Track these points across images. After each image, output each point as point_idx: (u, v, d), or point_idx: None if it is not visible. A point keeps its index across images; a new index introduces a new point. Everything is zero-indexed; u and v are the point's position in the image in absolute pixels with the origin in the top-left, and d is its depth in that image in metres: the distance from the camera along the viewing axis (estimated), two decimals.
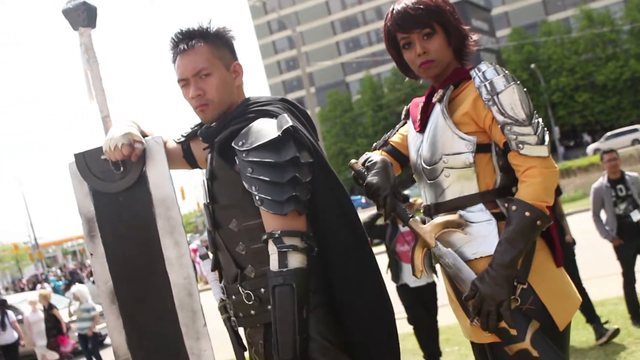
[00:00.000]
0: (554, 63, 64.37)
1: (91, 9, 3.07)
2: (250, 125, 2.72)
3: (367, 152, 3.03)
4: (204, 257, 3.07)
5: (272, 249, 2.60)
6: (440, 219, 2.77)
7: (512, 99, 2.65)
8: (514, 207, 2.61)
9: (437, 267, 2.88)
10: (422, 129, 2.91)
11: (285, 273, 2.55)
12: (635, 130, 44.85)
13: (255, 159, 2.63)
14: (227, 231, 2.81)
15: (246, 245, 2.76)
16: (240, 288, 2.79)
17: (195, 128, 3.15)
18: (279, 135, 2.63)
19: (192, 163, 3.21)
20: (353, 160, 2.93)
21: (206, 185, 2.88)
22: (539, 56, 64.80)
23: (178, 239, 2.91)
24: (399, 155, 3.05)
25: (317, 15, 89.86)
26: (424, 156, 2.86)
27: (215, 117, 2.85)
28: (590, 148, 45.20)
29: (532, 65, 60.42)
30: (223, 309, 2.96)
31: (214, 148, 2.83)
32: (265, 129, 2.67)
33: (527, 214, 2.58)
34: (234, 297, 2.84)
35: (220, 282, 2.96)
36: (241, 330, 2.95)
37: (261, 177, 2.61)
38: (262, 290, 2.73)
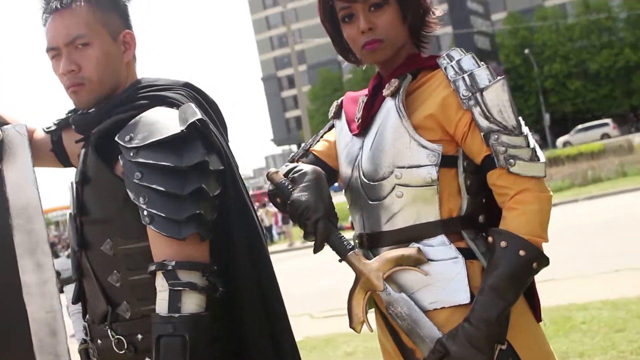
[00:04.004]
0: (548, 49, 64.25)
1: None
2: (142, 115, 2.07)
3: (289, 160, 2.35)
4: (67, 281, 2.35)
5: (162, 285, 1.98)
6: (391, 253, 2.06)
7: (501, 99, 2.00)
8: (503, 243, 1.95)
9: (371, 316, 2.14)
10: (362, 131, 2.19)
11: (176, 320, 1.94)
12: (605, 124, 46.81)
13: (147, 161, 1.99)
14: (97, 254, 2.16)
15: (122, 276, 2.12)
16: (109, 331, 2.15)
17: (70, 114, 2.44)
18: (182, 130, 2.01)
19: (63, 159, 2.51)
20: (272, 170, 2.18)
21: (74, 190, 2.20)
22: (533, 41, 64.60)
23: (41, 259, 2.27)
24: (324, 168, 2.27)
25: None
26: (364, 168, 2.15)
27: (92, 101, 2.17)
28: (560, 141, 46.38)
29: (526, 51, 60.34)
30: (84, 354, 2.30)
31: (89, 142, 2.15)
32: (163, 122, 2.04)
33: (521, 253, 1.95)
34: (99, 341, 2.20)
35: (84, 318, 2.30)
36: None
37: (154, 186, 1.98)
38: (140, 336, 2.11)
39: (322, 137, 2.39)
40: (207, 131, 2.06)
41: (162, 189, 1.96)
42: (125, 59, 2.21)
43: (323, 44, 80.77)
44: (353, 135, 2.23)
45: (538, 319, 2.14)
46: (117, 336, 2.11)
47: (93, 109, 2.19)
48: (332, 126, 2.40)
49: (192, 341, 1.92)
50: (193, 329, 1.93)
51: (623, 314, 6.95)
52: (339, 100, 2.39)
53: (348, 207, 2.26)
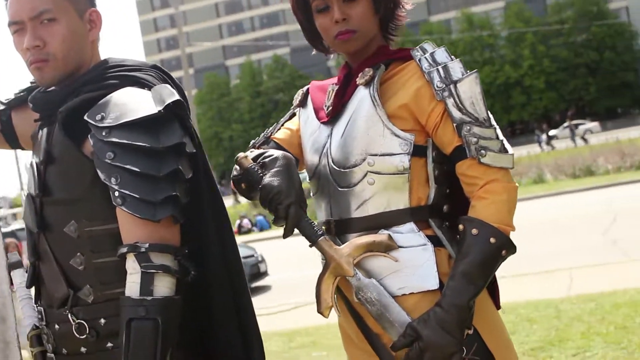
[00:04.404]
0: None
1: None
2: (112, 94, 2.01)
3: (251, 147, 2.35)
4: (15, 265, 2.24)
5: (133, 267, 1.93)
6: (362, 239, 2.08)
7: (474, 92, 2.07)
8: (474, 231, 2.00)
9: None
10: (332, 119, 2.20)
11: (148, 303, 1.88)
12: None
13: (120, 140, 1.93)
14: (59, 236, 2.06)
15: (86, 258, 2.04)
16: (70, 315, 2.06)
17: (22, 94, 2.36)
18: (159, 111, 1.95)
19: (11, 140, 2.41)
20: (241, 154, 2.16)
21: (35, 170, 2.10)
22: None
23: None
24: None
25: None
26: (334, 155, 2.17)
27: (56, 78, 2.10)
28: None
29: None
30: (35, 339, 2.20)
31: (55, 119, 2.07)
32: (136, 102, 1.98)
33: (492, 240, 2.00)
34: (57, 326, 2.10)
35: (36, 303, 2.22)
36: None
37: (127, 166, 1.91)
38: (102, 321, 2.03)
39: (282, 125, 2.39)
40: (184, 113, 2.02)
41: (136, 169, 1.90)
42: (90, 38, 2.14)
43: (210, 49, 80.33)
44: (321, 123, 2.23)
45: (497, 306, 2.20)
46: (79, 320, 2.03)
47: (54, 87, 2.11)
48: (293, 114, 2.40)
49: (164, 325, 1.87)
50: (165, 313, 1.89)
51: (512, 317, 7.15)
52: (305, 89, 2.39)
53: (312, 195, 2.27)
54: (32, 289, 2.23)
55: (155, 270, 1.90)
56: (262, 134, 2.39)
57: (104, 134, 1.93)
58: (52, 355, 2.13)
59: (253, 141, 2.38)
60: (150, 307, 1.88)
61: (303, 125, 2.33)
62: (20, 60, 2.16)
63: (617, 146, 26.07)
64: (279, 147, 2.30)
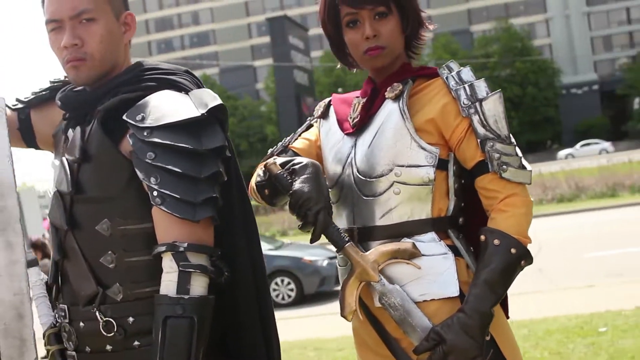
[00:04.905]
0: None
1: None
2: (151, 96, 2.03)
3: (269, 156, 2.41)
4: (30, 263, 2.24)
5: (170, 266, 1.95)
6: (388, 246, 2.16)
7: (497, 110, 2.17)
8: (496, 241, 2.10)
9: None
10: (357, 130, 2.28)
11: (186, 302, 1.91)
12: None
13: (163, 141, 1.95)
14: (89, 234, 2.07)
15: (118, 257, 2.05)
16: (98, 313, 2.06)
17: (44, 92, 2.35)
18: (203, 114, 1.99)
19: (28, 139, 2.39)
20: (270, 160, 2.21)
21: (67, 167, 2.10)
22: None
23: (12, 239, 2.12)
24: None
25: (132, 11, 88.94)
26: (359, 165, 2.25)
27: (91, 78, 2.11)
28: None
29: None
30: (53, 338, 2.20)
31: (90, 119, 2.09)
32: (177, 104, 2.01)
33: (512, 250, 2.10)
34: (82, 324, 2.10)
35: (57, 301, 2.22)
36: None
37: (169, 167, 1.94)
38: (131, 319, 2.04)
39: (300, 135, 2.45)
40: (224, 117, 2.06)
41: (178, 170, 1.93)
42: (124, 40, 2.17)
43: None
44: (345, 134, 2.30)
45: (506, 315, 2.30)
46: (107, 318, 2.04)
47: (86, 88, 2.13)
48: (310, 125, 2.47)
49: (199, 324, 1.91)
50: (201, 312, 1.92)
51: None
52: (327, 101, 2.46)
53: (333, 203, 2.33)
54: (51, 288, 2.23)
55: (193, 269, 1.92)
56: (280, 142, 2.45)
57: (145, 134, 1.95)
58: (74, 353, 2.13)
59: (271, 150, 2.43)
60: (187, 306, 1.90)
61: (324, 136, 2.39)
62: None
63: (540, 179, 26.76)
64: (297, 156, 2.36)
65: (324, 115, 2.43)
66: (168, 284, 1.94)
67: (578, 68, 73.79)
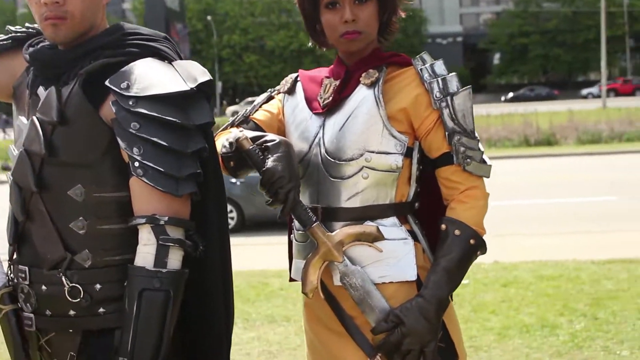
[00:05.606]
0: (230, 19, 66.28)
1: None
2: (135, 63, 1.98)
3: (229, 125, 2.44)
4: None
5: (149, 239, 1.95)
6: (353, 228, 2.23)
7: (466, 106, 2.26)
8: (457, 232, 2.20)
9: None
10: (327, 111, 2.31)
11: (163, 275, 1.92)
12: None
13: (149, 112, 1.91)
14: (60, 198, 2.02)
15: (90, 223, 2.01)
16: (64, 278, 2.02)
17: (5, 42, 2.24)
18: (192, 88, 1.96)
19: None
20: (242, 135, 2.20)
21: (40, 128, 2.01)
22: (216, 10, 66.10)
23: None
24: None
25: None
26: (327, 146, 2.28)
27: (69, 37, 2.04)
28: (230, 109, 48.09)
29: (209, 17, 61.22)
30: (7, 297, 2.14)
31: (66, 79, 2.02)
32: (163, 74, 1.97)
33: (472, 241, 2.22)
34: (45, 287, 2.06)
35: (13, 262, 2.16)
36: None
37: (154, 139, 1.91)
38: (98, 286, 2.02)
39: (260, 106, 2.45)
40: (211, 92, 2.04)
41: (163, 143, 1.91)
42: (103, 1, 2.10)
43: None
44: (313, 113, 2.33)
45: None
46: (73, 284, 2.01)
47: (61, 46, 2.06)
48: (271, 97, 2.47)
49: (175, 297, 1.92)
50: (177, 285, 1.93)
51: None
52: (293, 76, 2.46)
53: None
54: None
55: (172, 243, 1.93)
56: (241, 112, 2.44)
57: (130, 103, 1.92)
58: (32, 315, 2.08)
59: (232, 119, 2.43)
60: (164, 279, 1.91)
61: (290, 112, 2.40)
62: None
63: None
64: (258, 127, 2.37)
65: (290, 91, 2.44)
66: (145, 255, 1.93)
67: (445, 19, 75.28)
